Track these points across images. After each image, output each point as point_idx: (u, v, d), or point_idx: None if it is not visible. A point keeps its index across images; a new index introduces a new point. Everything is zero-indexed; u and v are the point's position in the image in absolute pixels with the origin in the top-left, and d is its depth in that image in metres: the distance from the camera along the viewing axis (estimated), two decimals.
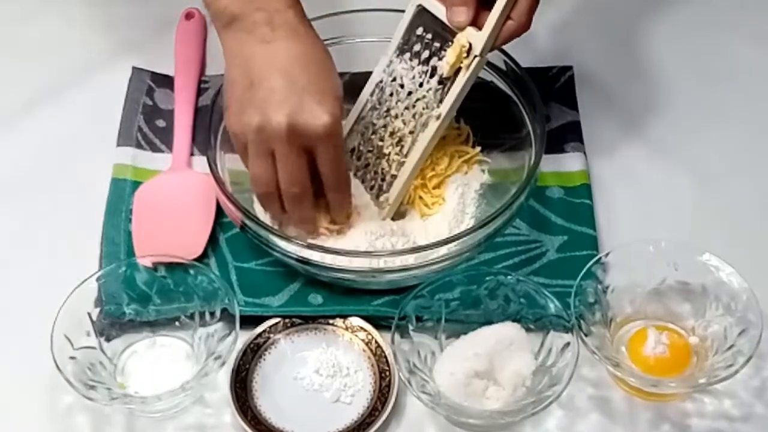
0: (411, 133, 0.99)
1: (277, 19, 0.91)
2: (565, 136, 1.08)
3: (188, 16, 1.17)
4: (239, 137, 0.92)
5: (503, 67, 1.02)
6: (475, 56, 0.93)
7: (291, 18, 0.92)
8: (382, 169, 1.00)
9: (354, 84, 1.04)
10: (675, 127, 1.11)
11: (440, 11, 0.95)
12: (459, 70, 0.95)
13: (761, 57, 1.17)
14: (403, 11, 0.99)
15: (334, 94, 0.91)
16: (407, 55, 0.98)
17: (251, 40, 0.91)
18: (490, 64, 1.02)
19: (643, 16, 1.21)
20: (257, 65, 0.91)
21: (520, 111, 1.02)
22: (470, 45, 0.93)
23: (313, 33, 0.94)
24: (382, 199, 1.00)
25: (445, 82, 0.96)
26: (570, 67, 1.14)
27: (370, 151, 1.01)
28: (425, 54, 0.97)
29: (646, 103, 1.13)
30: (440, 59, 0.96)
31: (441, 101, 0.96)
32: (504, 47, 0.98)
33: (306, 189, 0.92)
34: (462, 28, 0.94)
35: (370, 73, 1.02)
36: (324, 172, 0.92)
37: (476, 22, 0.94)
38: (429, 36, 0.97)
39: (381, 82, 1.00)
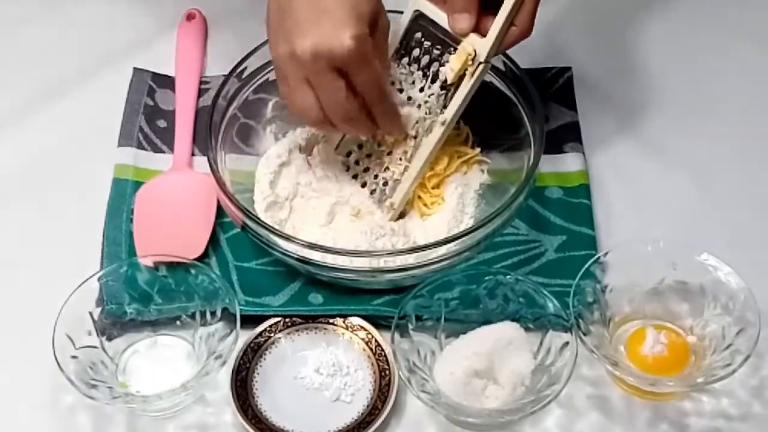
0: (414, 137, 0.99)
1: None
2: (564, 137, 1.08)
3: (189, 16, 1.18)
4: (278, 68, 0.92)
5: (502, 67, 1.02)
6: (480, 63, 0.94)
7: None
8: (384, 173, 1.01)
9: None
10: (673, 128, 1.11)
11: (440, 17, 0.95)
12: (463, 75, 0.95)
13: (760, 56, 1.17)
14: (401, 12, 0.99)
15: (360, 11, 0.89)
16: (405, 60, 0.98)
17: None
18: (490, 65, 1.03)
19: (642, 17, 1.21)
20: None
21: (519, 111, 1.02)
22: (475, 52, 0.93)
23: None
24: (387, 203, 1.01)
25: (448, 88, 0.96)
26: (569, 68, 1.14)
27: (368, 156, 1.01)
28: (425, 60, 0.97)
29: (645, 104, 1.13)
30: (442, 65, 0.96)
31: (445, 107, 0.97)
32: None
33: (350, 110, 0.92)
34: (465, 35, 0.94)
35: None
36: (361, 91, 0.91)
37: (477, 28, 0.94)
38: (428, 42, 0.97)
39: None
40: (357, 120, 0.93)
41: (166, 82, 1.13)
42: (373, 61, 0.91)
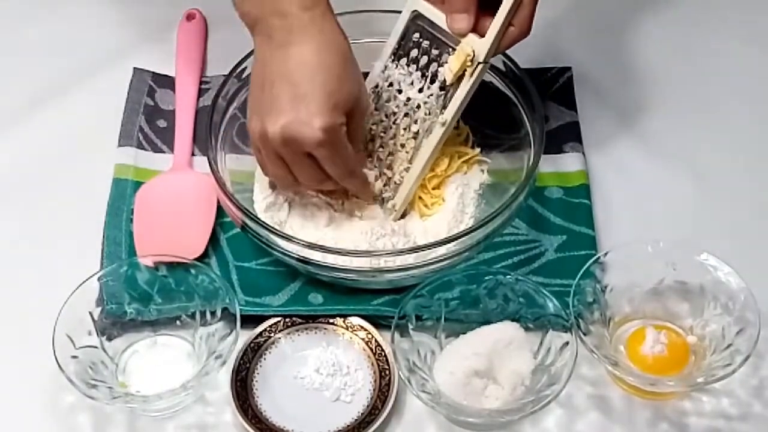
0: (414, 138, 0.99)
1: (294, 23, 0.90)
2: (564, 137, 1.08)
3: (189, 17, 1.18)
4: (251, 139, 0.94)
5: (502, 68, 1.02)
6: (479, 63, 0.94)
7: (308, 21, 0.91)
8: (385, 175, 1.01)
9: None
10: (673, 128, 1.11)
11: (438, 17, 0.95)
12: (462, 76, 0.95)
13: (760, 56, 1.17)
14: (401, 12, 0.99)
15: (337, 100, 0.90)
16: (403, 60, 0.98)
17: (270, 45, 0.91)
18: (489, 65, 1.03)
19: (643, 17, 1.21)
20: (269, 69, 0.91)
21: (519, 111, 1.02)
22: (474, 52, 0.93)
23: (334, 31, 0.92)
24: (389, 206, 1.01)
25: (447, 89, 0.96)
26: (569, 68, 1.14)
27: (368, 158, 1.01)
28: (423, 60, 0.97)
29: (645, 104, 1.13)
30: (440, 65, 0.96)
31: (444, 107, 0.97)
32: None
33: (323, 180, 0.94)
34: (463, 35, 0.94)
35: (369, 73, 1.02)
36: (329, 171, 0.93)
37: (476, 28, 0.94)
38: (426, 42, 0.97)
39: (377, 87, 1.00)
40: (328, 185, 0.95)
41: (166, 82, 1.13)
42: (342, 149, 0.92)
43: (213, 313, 0.92)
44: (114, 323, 0.94)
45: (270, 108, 0.90)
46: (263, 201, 1.00)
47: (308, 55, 0.90)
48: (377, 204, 1.01)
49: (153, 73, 1.14)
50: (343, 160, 0.93)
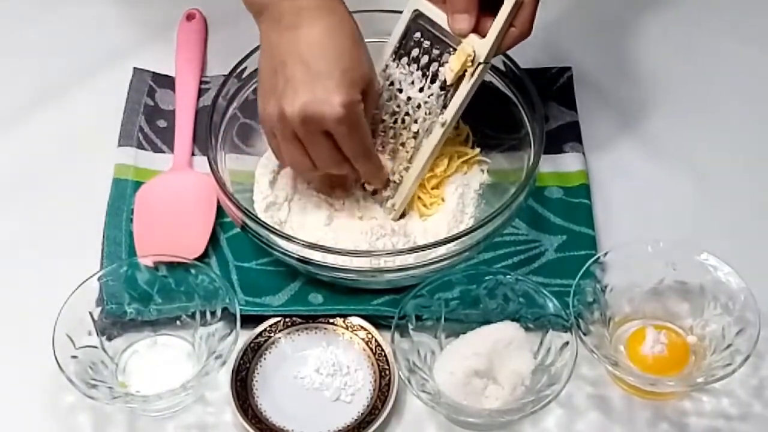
0: (414, 137, 0.99)
1: (303, 4, 0.91)
2: (564, 137, 1.08)
3: (189, 17, 1.18)
4: (265, 125, 0.94)
5: (502, 67, 1.02)
6: (480, 63, 0.94)
7: (319, 2, 0.91)
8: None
9: None
10: (673, 128, 1.11)
11: (439, 17, 0.95)
12: (462, 76, 0.95)
13: (761, 57, 1.17)
14: (401, 12, 0.99)
15: (352, 77, 0.90)
16: (404, 59, 0.98)
17: (279, 28, 0.91)
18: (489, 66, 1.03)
19: (643, 17, 1.21)
20: (280, 52, 0.91)
21: (519, 111, 1.02)
22: (474, 53, 0.93)
23: (344, 13, 0.92)
24: (388, 205, 1.01)
25: (447, 88, 0.96)
26: (569, 68, 1.14)
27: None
28: (424, 59, 0.97)
29: (645, 104, 1.13)
30: (441, 65, 0.96)
31: (444, 107, 0.97)
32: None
33: (339, 163, 0.94)
34: (464, 36, 0.94)
35: None
36: (345, 151, 0.93)
37: (477, 29, 0.94)
38: (427, 42, 0.97)
39: (378, 86, 1.00)
40: (344, 168, 0.95)
41: (166, 82, 1.13)
42: (361, 126, 0.92)
43: (213, 313, 0.92)
44: (114, 323, 0.94)
45: (285, 89, 0.90)
46: (263, 201, 1.00)
47: (318, 36, 0.90)
48: (377, 204, 1.01)
49: (153, 73, 1.14)
50: (360, 137, 0.92)
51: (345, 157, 0.93)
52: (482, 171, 1.04)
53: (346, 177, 1.00)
